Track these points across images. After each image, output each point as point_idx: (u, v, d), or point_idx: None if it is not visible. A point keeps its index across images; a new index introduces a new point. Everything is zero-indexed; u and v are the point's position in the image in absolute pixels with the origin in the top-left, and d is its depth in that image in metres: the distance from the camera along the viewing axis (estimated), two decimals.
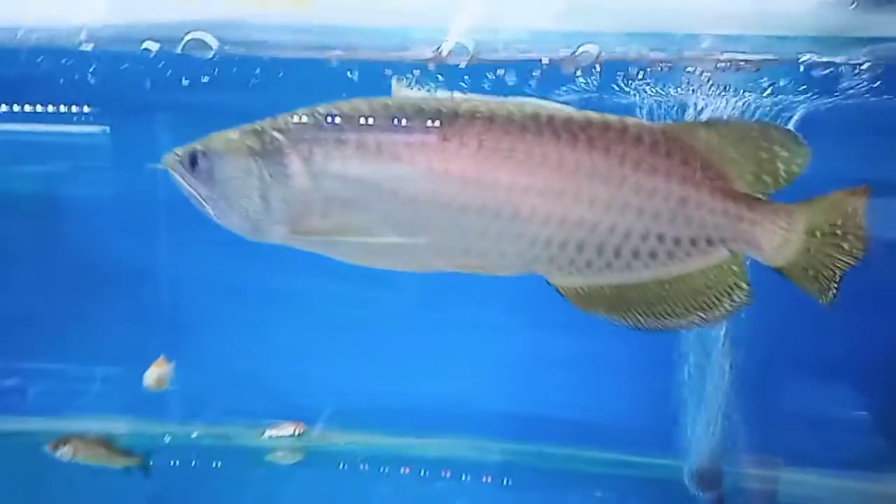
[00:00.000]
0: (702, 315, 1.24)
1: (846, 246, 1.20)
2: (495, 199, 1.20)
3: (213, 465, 2.95)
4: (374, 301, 2.76)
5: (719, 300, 1.24)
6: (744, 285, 1.24)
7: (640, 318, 1.26)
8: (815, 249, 1.21)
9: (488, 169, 1.20)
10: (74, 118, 2.53)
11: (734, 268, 1.24)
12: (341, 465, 2.96)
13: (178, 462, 2.96)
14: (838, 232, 1.20)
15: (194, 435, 3.03)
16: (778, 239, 1.20)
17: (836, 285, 1.22)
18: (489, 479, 2.93)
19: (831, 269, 1.22)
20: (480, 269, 1.26)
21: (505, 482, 2.93)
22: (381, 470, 2.96)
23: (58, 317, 3.01)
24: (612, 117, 1.21)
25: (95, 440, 2.58)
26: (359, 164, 1.22)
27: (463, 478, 2.93)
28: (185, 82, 2.22)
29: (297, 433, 2.98)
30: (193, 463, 2.95)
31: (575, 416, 2.85)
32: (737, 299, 1.24)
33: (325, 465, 2.96)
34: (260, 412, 2.97)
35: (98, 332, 3.03)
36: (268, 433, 2.99)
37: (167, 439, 3.04)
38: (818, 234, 1.21)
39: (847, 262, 1.21)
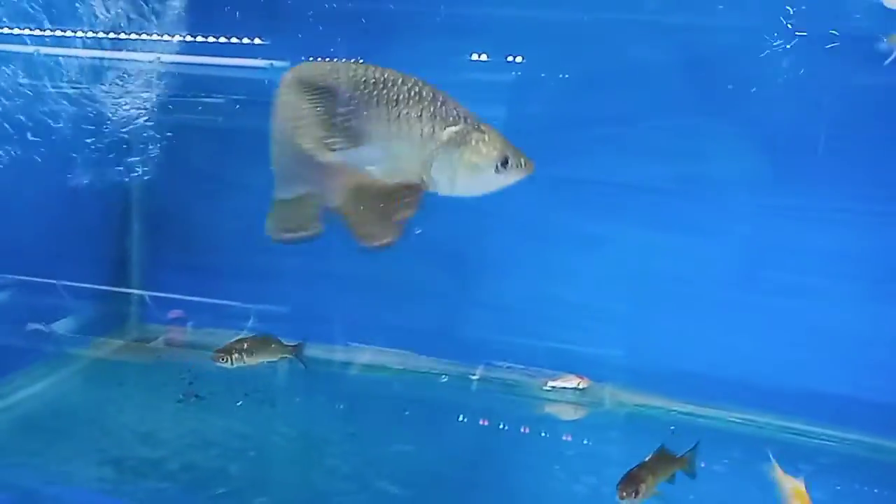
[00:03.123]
0: None
1: None
2: None
3: (489, 410, 2.86)
4: (688, 252, 2.56)
5: None
6: None
7: None
8: None
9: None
10: None
11: None
12: (626, 429, 2.76)
13: (449, 402, 2.93)
14: None
15: (474, 377, 2.99)
16: None
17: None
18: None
19: None
20: None
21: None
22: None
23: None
24: None
25: None
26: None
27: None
28: None
29: (579, 387, 2.85)
30: (460, 413, 2.85)
31: None
32: None
33: (607, 427, 2.78)
34: (544, 361, 2.88)
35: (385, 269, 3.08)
36: (549, 384, 2.88)
37: (444, 379, 3.03)
38: None
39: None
